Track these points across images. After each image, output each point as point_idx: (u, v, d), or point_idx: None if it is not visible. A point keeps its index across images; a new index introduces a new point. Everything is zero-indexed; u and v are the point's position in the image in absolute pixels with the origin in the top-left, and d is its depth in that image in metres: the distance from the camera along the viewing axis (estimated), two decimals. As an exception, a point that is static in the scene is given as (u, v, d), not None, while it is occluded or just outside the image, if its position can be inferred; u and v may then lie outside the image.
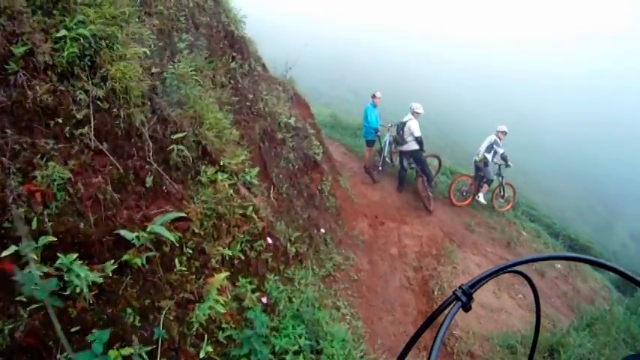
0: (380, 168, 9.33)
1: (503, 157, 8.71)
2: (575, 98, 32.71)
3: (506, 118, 14.85)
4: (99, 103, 2.45)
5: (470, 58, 37.71)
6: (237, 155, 3.64)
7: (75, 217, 2.11)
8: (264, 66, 6.24)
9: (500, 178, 9.15)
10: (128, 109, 2.62)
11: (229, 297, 2.98)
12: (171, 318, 2.43)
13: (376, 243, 7.00)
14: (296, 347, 3.07)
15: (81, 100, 2.37)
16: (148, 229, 2.30)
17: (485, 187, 8.90)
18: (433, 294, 5.90)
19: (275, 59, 7.01)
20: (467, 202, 9.03)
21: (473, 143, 12.29)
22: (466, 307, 0.69)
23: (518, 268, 0.76)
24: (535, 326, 0.96)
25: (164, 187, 2.76)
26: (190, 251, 2.72)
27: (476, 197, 9.00)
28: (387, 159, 9.45)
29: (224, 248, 3.07)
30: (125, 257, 2.21)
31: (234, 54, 5.01)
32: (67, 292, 1.93)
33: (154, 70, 3.23)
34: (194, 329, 2.55)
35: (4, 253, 1.77)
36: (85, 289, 1.92)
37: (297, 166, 5.78)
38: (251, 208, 3.45)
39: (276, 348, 2.98)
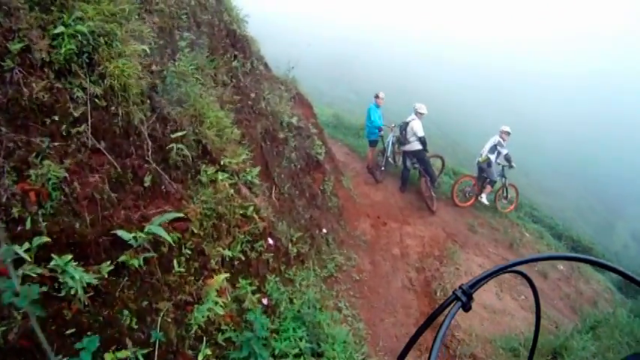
0: (383, 168, 9.28)
1: (507, 158, 8.65)
2: (575, 98, 32.68)
3: (507, 118, 14.82)
4: (96, 100, 2.40)
5: (470, 58, 37.68)
6: (238, 154, 3.59)
7: (70, 217, 2.06)
8: (266, 65, 6.19)
9: (503, 179, 9.10)
10: (127, 107, 2.57)
11: (229, 298, 2.92)
12: (169, 320, 2.37)
13: (378, 243, 6.95)
14: (296, 350, 3.02)
15: (78, 98, 2.32)
16: (146, 230, 2.25)
17: (489, 187, 8.85)
18: (435, 295, 5.85)
19: (277, 58, 6.97)
20: (470, 202, 8.97)
21: (473, 143, 12.27)
22: (466, 307, 0.69)
23: (518, 268, 0.76)
24: (535, 326, 0.96)
25: (163, 187, 2.70)
26: (189, 252, 2.66)
27: (479, 198, 8.95)
28: (389, 159, 9.41)
29: (224, 249, 3.01)
30: (122, 258, 2.16)
31: (236, 53, 4.96)
32: (62, 294, 1.88)
33: (154, 68, 3.18)
34: (192, 331, 2.50)
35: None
36: (80, 291, 1.87)
37: (299, 166, 5.73)
38: (252, 208, 3.40)
39: (277, 351, 2.93)
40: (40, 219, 1.94)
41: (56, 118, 2.21)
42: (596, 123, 28.43)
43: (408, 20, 46.68)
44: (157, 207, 2.56)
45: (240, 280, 3.13)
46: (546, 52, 41.61)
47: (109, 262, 2.10)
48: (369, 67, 29.47)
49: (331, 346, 3.38)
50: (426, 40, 41.01)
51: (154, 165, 2.66)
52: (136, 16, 3.07)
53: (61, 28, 2.29)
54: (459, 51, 38.97)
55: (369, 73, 27.46)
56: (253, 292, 3.16)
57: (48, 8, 2.37)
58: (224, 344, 2.70)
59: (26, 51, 2.19)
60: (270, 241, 3.68)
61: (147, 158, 2.64)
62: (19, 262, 1.78)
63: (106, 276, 2.07)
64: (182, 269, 2.56)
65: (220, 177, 3.20)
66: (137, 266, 2.21)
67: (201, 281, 2.70)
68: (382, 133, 9.05)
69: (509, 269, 0.75)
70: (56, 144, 2.17)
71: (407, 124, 8.38)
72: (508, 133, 8.53)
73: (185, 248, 2.64)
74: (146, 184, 2.56)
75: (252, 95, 5.01)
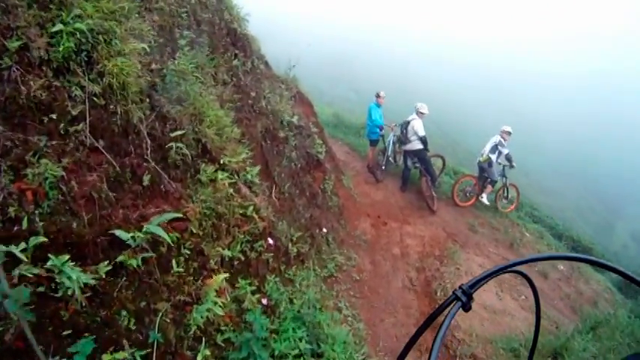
0: (383, 167, 9.27)
1: (508, 158, 8.62)
2: (575, 98, 32.71)
3: (507, 117, 14.82)
4: (95, 99, 2.38)
5: (470, 58, 37.70)
6: (238, 153, 3.56)
7: (68, 216, 2.03)
8: (267, 64, 6.16)
9: (504, 179, 9.07)
10: (125, 106, 2.54)
11: (228, 299, 2.90)
12: (168, 321, 2.35)
13: (379, 243, 6.93)
14: (296, 351, 2.99)
15: (76, 96, 2.30)
16: (144, 229, 2.22)
17: (489, 187, 8.83)
18: (436, 295, 5.82)
19: (278, 57, 6.94)
20: (470, 202, 8.95)
21: (473, 143, 12.26)
22: (466, 307, 0.69)
23: (518, 268, 0.76)
24: (535, 326, 0.96)
25: (162, 186, 2.68)
26: (188, 252, 2.63)
27: (479, 198, 8.93)
28: (390, 158, 9.39)
29: (223, 249, 2.99)
30: (120, 258, 2.13)
31: (236, 51, 4.93)
32: (59, 295, 1.85)
33: (153, 66, 3.16)
34: (191, 332, 2.47)
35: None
36: (77, 291, 1.84)
37: (299, 165, 5.70)
38: (252, 208, 3.38)
39: (276, 352, 2.90)
40: (37, 218, 1.92)
41: (54, 116, 2.18)
42: (596, 123, 28.46)
43: (408, 20, 46.71)
44: (155, 206, 2.54)
45: (239, 280, 3.11)
46: (546, 52, 41.63)
47: (106, 262, 2.07)
48: (369, 67, 29.48)
49: (331, 347, 3.36)
50: (426, 39, 41.02)
51: (153, 164, 2.64)
52: (136, 15, 3.05)
53: (59, 26, 2.27)
54: (459, 51, 38.98)
55: (370, 72, 27.46)
56: (253, 293, 3.13)
57: (46, 6, 2.35)
58: (223, 345, 2.68)
59: (24, 49, 2.17)
60: (270, 240, 3.66)
61: (146, 157, 2.62)
62: (15, 262, 1.76)
63: (104, 276, 2.05)
64: (181, 269, 2.53)
65: (220, 176, 3.17)
66: (135, 266, 2.19)
67: (200, 281, 2.67)
68: (383, 132, 9.03)
69: (509, 269, 0.75)
70: (54, 143, 2.14)
71: (408, 123, 8.36)
72: (509, 133, 8.51)
73: (184, 248, 2.62)
74: (145, 184, 2.54)
75: (253, 94, 4.99)
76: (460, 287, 0.70)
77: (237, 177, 3.45)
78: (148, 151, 2.64)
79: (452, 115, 23.39)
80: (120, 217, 2.26)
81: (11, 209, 1.85)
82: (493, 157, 8.49)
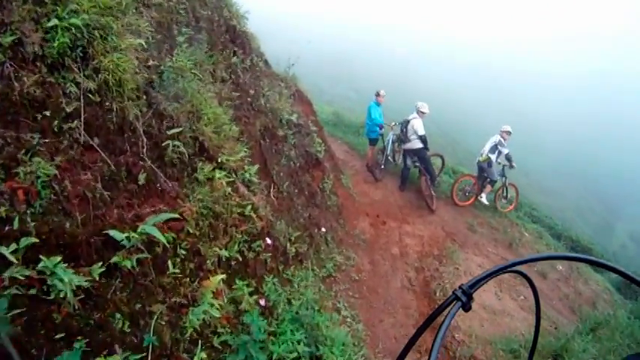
0: (382, 166, 9.23)
1: (508, 158, 8.59)
2: (575, 98, 32.73)
3: (507, 117, 14.79)
4: (90, 95, 2.33)
5: (470, 58, 37.68)
6: (236, 152, 3.51)
7: (60, 216, 1.98)
8: (266, 62, 6.11)
9: (503, 179, 9.04)
10: (121, 103, 2.49)
11: (225, 300, 2.85)
12: (163, 323, 2.30)
13: (377, 242, 6.89)
14: (295, 354, 2.95)
15: (71, 93, 2.25)
16: (139, 230, 2.17)
17: (489, 187, 8.80)
18: (435, 295, 5.79)
19: (277, 55, 6.89)
20: (469, 202, 8.92)
21: (473, 142, 12.24)
22: (466, 307, 0.69)
23: (518, 268, 0.77)
24: (535, 326, 0.96)
25: (158, 185, 2.63)
26: (184, 252, 2.59)
27: (478, 197, 8.90)
28: (389, 157, 9.35)
29: (220, 249, 2.94)
30: (114, 259, 2.08)
31: (235, 49, 4.88)
32: (51, 297, 1.80)
33: (150, 63, 3.10)
34: (187, 334, 2.43)
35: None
36: (70, 294, 1.79)
37: (298, 164, 5.65)
38: (250, 207, 3.33)
39: (274, 355, 2.85)
40: (29, 219, 1.87)
41: (48, 113, 2.13)
42: (596, 123, 28.47)
43: (409, 20, 46.69)
44: (151, 206, 2.49)
45: (237, 281, 3.06)
46: (546, 52, 41.62)
47: (100, 264, 2.02)
48: (369, 66, 29.42)
49: (330, 349, 3.31)
50: (426, 39, 41.00)
51: (149, 162, 2.59)
52: (133, 10, 3.00)
53: (54, 21, 2.22)
54: (459, 51, 38.97)
55: (370, 71, 27.42)
56: (250, 294, 3.09)
57: (42, 1, 2.29)
58: (220, 347, 2.63)
59: (18, 44, 2.12)
60: (268, 240, 3.61)
61: (142, 155, 2.57)
62: (5, 264, 1.71)
63: (98, 278, 2.00)
64: (177, 270, 2.48)
65: (217, 175, 3.12)
66: (130, 267, 2.13)
67: (196, 283, 2.62)
68: (383, 131, 8.99)
69: (509, 269, 0.75)
70: (47, 140, 2.09)
71: (408, 122, 8.33)
72: (509, 133, 8.47)
73: (180, 249, 2.57)
74: (140, 182, 2.49)
75: (252, 92, 4.93)
76: (460, 287, 0.70)
77: (235, 176, 3.40)
78: (144, 150, 2.59)
79: (452, 115, 23.36)
80: (114, 216, 2.21)
81: (2, 209, 1.80)
82: (493, 156, 8.46)
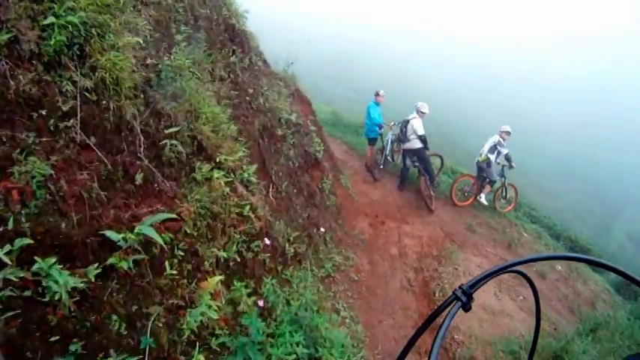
0: (381, 166, 9.21)
1: (507, 158, 8.57)
2: (575, 99, 32.69)
3: (506, 118, 14.74)
4: (87, 94, 2.30)
5: (470, 58, 37.62)
6: (234, 151, 3.48)
7: (56, 216, 1.95)
8: (265, 61, 6.08)
9: (502, 179, 9.03)
10: (119, 102, 2.47)
11: (223, 301, 2.83)
12: (160, 325, 2.27)
13: (376, 243, 6.87)
14: (293, 356, 2.92)
15: (67, 92, 2.22)
16: (136, 230, 2.14)
17: (488, 187, 8.80)
18: (434, 296, 5.78)
19: (276, 55, 6.87)
20: (468, 202, 8.91)
21: (473, 142, 12.21)
22: (466, 307, 0.69)
23: (518, 268, 0.77)
24: (535, 326, 0.96)
25: (155, 185, 2.60)
26: (182, 253, 2.56)
27: (478, 198, 8.89)
28: (388, 157, 9.33)
29: (219, 250, 2.91)
30: (111, 260, 2.05)
31: (234, 48, 4.84)
32: (47, 299, 1.77)
33: (148, 61, 3.07)
34: (185, 336, 2.40)
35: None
36: (65, 296, 1.76)
37: (297, 164, 5.62)
38: (248, 207, 3.30)
39: (273, 357, 2.83)
40: (24, 219, 1.84)
41: (44, 112, 2.11)
42: (596, 124, 28.44)
43: (409, 20, 46.63)
44: (148, 206, 2.46)
45: (235, 281, 3.04)
46: (546, 52, 41.59)
47: (96, 265, 1.99)
48: (369, 66, 29.37)
49: (329, 351, 3.29)
50: (426, 39, 40.94)
51: (147, 162, 2.56)
52: (131, 8, 2.97)
53: (51, 19, 2.19)
54: (459, 51, 38.92)
55: (369, 71, 27.36)
56: (249, 295, 3.06)
57: (38, -2, 2.27)
58: (218, 349, 2.60)
59: (14, 42, 2.10)
60: (267, 240, 3.58)
61: (139, 155, 2.54)
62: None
63: (94, 279, 1.97)
64: (174, 271, 2.45)
65: (216, 175, 3.09)
66: (126, 269, 2.11)
67: (194, 284, 2.60)
68: (382, 130, 8.97)
69: (509, 269, 0.75)
70: (43, 139, 2.07)
71: (407, 122, 8.31)
72: (508, 133, 8.46)
73: (178, 249, 2.54)
74: (137, 182, 2.46)
75: (250, 91, 4.90)
76: (460, 287, 0.70)
77: (233, 175, 3.37)
78: (142, 149, 2.56)
79: (451, 115, 23.32)
80: (111, 217, 2.18)
81: (-3, 209, 1.78)
82: (492, 157, 8.44)
